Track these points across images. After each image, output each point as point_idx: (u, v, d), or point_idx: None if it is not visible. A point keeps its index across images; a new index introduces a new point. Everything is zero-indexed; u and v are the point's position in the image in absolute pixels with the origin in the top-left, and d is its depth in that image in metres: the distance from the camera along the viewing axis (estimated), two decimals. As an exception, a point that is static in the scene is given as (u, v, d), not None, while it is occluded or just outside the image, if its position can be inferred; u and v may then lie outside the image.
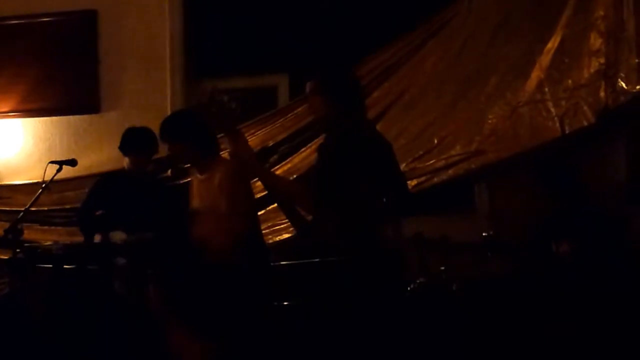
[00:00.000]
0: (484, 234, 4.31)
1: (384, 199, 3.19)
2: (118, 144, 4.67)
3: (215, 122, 3.64)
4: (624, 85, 4.65)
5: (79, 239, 4.67)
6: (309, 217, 3.47)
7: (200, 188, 4.03)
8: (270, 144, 5.33)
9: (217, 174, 3.90)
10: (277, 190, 3.54)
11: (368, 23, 5.37)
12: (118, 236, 4.25)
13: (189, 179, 4.38)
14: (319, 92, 3.40)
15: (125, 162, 4.65)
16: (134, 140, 4.64)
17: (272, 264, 3.40)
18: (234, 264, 2.41)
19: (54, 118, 5.76)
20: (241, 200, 3.79)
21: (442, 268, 4.23)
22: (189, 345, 3.26)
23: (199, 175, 4.06)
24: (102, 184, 4.75)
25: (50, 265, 4.12)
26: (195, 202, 4.06)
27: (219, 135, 4.00)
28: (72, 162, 4.66)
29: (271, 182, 3.52)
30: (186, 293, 1.61)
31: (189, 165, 4.45)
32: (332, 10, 5.44)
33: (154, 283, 1.67)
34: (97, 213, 4.23)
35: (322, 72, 3.47)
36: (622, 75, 4.66)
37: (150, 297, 2.89)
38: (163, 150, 4.36)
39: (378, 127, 5.04)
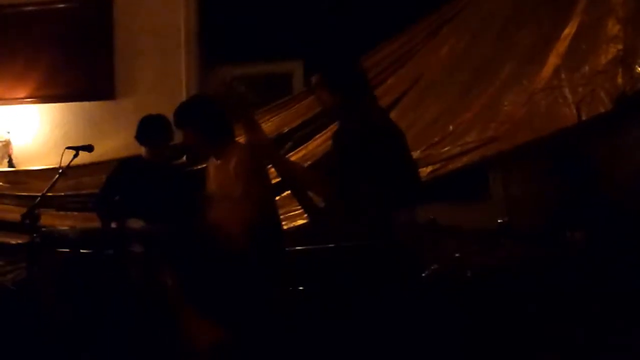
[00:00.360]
0: (498, 221, 4.30)
1: (395, 188, 3.20)
2: (133, 131, 4.69)
3: (231, 111, 3.65)
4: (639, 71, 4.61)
5: (95, 224, 4.70)
6: (322, 205, 3.49)
7: (217, 174, 4.03)
8: (285, 130, 5.34)
9: (233, 159, 3.90)
10: (292, 177, 3.55)
11: (383, 10, 5.35)
12: (136, 224, 4.28)
13: (204, 165, 4.39)
14: (324, 85, 3.41)
15: (143, 150, 4.69)
16: (148, 130, 4.67)
17: (286, 249, 3.40)
18: (245, 250, 2.43)
19: (70, 104, 5.80)
20: (256, 186, 3.80)
21: (457, 255, 4.22)
22: (201, 330, 3.28)
23: (215, 161, 4.07)
24: (119, 171, 4.78)
25: (67, 250, 4.15)
26: (212, 188, 4.07)
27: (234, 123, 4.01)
28: (89, 148, 4.69)
29: (286, 169, 3.53)
30: (196, 279, 1.62)
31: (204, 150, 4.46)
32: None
33: (169, 269, 1.68)
34: (115, 199, 4.27)
35: (325, 65, 3.47)
36: (638, 62, 4.61)
37: (165, 282, 2.92)
38: (179, 136, 4.38)
39: (392, 114, 5.05)
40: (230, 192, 3.81)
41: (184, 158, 5.36)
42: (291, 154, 5.22)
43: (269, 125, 5.32)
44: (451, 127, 5.02)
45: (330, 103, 3.43)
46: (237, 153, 3.92)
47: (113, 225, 4.20)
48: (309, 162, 5.11)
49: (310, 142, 5.26)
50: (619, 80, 4.67)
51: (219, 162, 4.03)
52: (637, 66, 4.62)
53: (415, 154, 4.99)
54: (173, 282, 1.64)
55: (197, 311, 2.14)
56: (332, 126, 4.84)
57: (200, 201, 4.07)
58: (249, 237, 3.35)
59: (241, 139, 4.15)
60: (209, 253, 1.94)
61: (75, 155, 4.60)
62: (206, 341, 3.34)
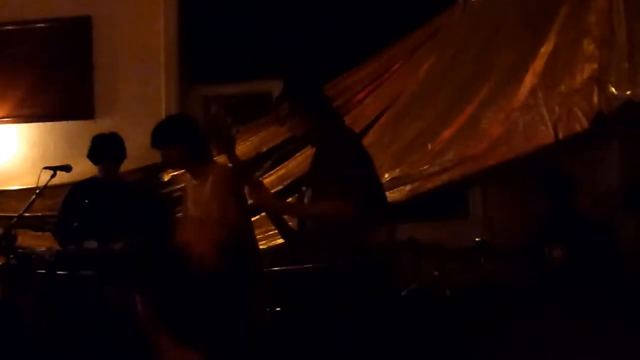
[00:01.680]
0: (476, 239, 4.32)
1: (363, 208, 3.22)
2: (112, 151, 4.69)
3: (215, 140, 3.69)
4: (614, 90, 4.64)
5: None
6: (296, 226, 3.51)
7: (195, 194, 4.03)
8: (264, 149, 5.33)
9: (210, 178, 3.90)
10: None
11: (362, 29, 5.38)
12: (92, 245, 4.25)
13: (182, 185, 4.39)
14: (295, 113, 3.44)
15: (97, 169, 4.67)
16: (101, 149, 4.65)
17: (264, 270, 3.40)
18: (217, 271, 2.40)
19: (48, 124, 5.75)
20: (232, 206, 3.79)
21: (436, 273, 4.23)
22: (175, 356, 3.24)
23: (193, 181, 4.06)
24: (73, 194, 4.72)
25: (44, 271, 4.12)
26: (190, 208, 4.06)
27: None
28: (67, 168, 4.67)
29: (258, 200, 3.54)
30: (168, 300, 1.62)
31: (182, 171, 4.46)
32: (325, 16, 5.45)
33: (139, 290, 1.67)
34: (74, 224, 4.26)
35: (292, 93, 3.50)
36: (613, 80, 4.65)
37: (136, 304, 2.89)
38: (156, 156, 4.36)
39: (371, 133, 5.10)
40: (207, 212, 3.80)
41: (164, 178, 5.35)
42: (270, 173, 5.22)
43: (248, 144, 5.32)
44: (430, 146, 5.04)
45: (303, 129, 3.46)
46: (215, 172, 3.92)
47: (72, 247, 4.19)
48: (287, 182, 5.11)
49: (289, 161, 5.25)
50: (595, 99, 4.71)
51: (197, 181, 4.02)
52: (611, 86, 4.66)
53: (394, 173, 5.02)
54: (143, 305, 1.63)
55: (170, 335, 2.13)
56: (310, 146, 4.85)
57: (165, 219, 4.06)
58: (221, 258, 3.33)
59: (220, 159, 4.16)
60: (179, 274, 1.93)
61: (53, 175, 4.59)
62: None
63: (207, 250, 2.60)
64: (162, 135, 4.07)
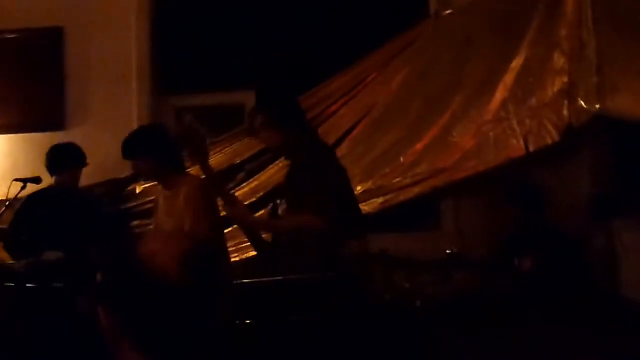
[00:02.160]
0: (447, 251, 4.34)
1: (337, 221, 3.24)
2: (83, 162, 4.66)
3: (189, 152, 3.70)
4: (583, 104, 4.70)
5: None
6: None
7: (167, 205, 4.00)
8: (238, 161, 5.33)
9: (183, 190, 3.88)
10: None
11: (335, 41, 5.41)
12: (53, 255, 4.21)
13: (152, 198, 4.37)
14: (270, 125, 3.46)
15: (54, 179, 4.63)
16: (58, 159, 4.62)
17: (235, 282, 3.39)
18: (180, 284, 2.41)
19: (19, 135, 5.69)
20: (205, 218, 3.78)
21: (407, 285, 4.25)
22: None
23: (165, 192, 4.04)
24: (28, 206, 4.66)
25: (13, 284, 4.08)
26: (161, 220, 4.03)
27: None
28: (37, 180, 4.63)
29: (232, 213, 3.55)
30: (130, 313, 1.61)
31: (153, 182, 4.44)
32: (298, 29, 5.48)
33: (102, 302, 1.66)
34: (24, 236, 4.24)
35: (267, 105, 3.52)
36: (582, 94, 4.71)
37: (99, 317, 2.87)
38: (127, 168, 4.34)
39: (344, 145, 5.11)
40: (179, 224, 3.79)
41: (137, 190, 5.32)
42: (243, 185, 5.21)
43: (222, 156, 5.30)
44: (402, 159, 5.06)
45: (277, 142, 3.47)
46: (187, 183, 3.90)
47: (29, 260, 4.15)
48: (260, 194, 5.11)
49: (262, 173, 5.25)
50: (565, 113, 4.76)
51: (169, 193, 4.00)
52: (580, 100, 4.72)
53: (367, 185, 5.03)
54: (106, 318, 1.61)
55: (133, 347, 2.11)
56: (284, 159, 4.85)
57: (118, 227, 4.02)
58: (185, 270, 3.29)
59: (192, 171, 4.15)
60: (141, 286, 1.91)
61: (23, 187, 4.55)
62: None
63: (171, 262, 2.60)
64: (132, 146, 4.05)
